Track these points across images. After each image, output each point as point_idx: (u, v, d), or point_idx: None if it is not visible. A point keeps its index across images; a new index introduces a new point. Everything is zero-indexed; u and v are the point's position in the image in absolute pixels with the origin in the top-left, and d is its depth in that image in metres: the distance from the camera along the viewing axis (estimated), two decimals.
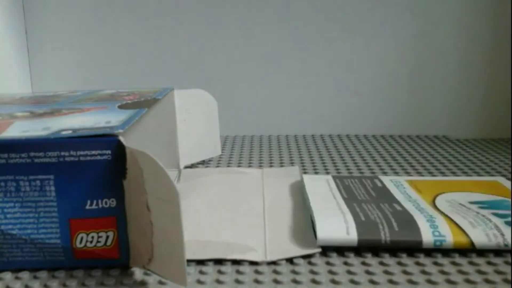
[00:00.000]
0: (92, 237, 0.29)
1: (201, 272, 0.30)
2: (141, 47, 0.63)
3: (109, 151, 0.28)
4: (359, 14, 0.61)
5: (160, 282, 0.29)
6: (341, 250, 0.32)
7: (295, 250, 0.32)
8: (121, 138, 0.28)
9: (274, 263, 0.31)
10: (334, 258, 0.31)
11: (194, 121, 0.50)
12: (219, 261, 0.31)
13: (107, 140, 0.28)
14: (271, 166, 0.50)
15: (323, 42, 0.62)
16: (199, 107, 0.50)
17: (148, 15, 0.62)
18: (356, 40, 0.62)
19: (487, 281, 0.28)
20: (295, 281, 0.28)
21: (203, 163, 0.52)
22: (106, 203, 0.28)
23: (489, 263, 0.30)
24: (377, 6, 0.61)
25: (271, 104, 0.64)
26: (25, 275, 0.29)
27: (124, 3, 0.62)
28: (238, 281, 0.29)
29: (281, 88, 0.63)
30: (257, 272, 0.30)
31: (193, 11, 0.62)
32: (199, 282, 0.29)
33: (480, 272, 0.29)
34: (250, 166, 0.50)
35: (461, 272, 0.29)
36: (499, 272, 0.29)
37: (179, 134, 0.48)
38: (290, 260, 0.31)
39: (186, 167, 0.50)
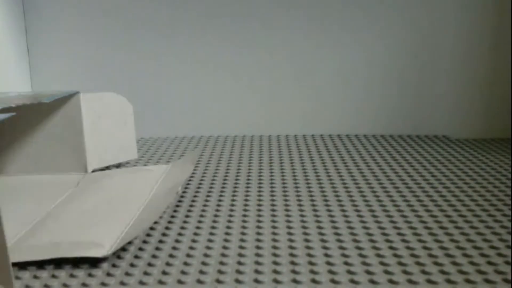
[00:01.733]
0: None
1: (201, 272, 0.30)
2: (143, 46, 0.63)
3: None
4: (361, 15, 0.61)
5: (160, 282, 0.29)
6: (341, 249, 0.32)
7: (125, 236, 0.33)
8: None
9: (274, 262, 0.31)
10: (334, 258, 0.31)
11: (105, 124, 0.49)
12: (220, 261, 0.31)
13: None
14: (270, 166, 0.50)
15: (324, 43, 0.62)
16: (111, 110, 0.50)
17: (148, 14, 0.62)
18: (357, 41, 0.62)
19: (487, 281, 0.28)
20: (295, 281, 0.28)
21: (120, 166, 0.51)
22: None
23: (489, 263, 0.30)
24: (379, 7, 0.61)
25: (271, 104, 0.64)
26: (25, 275, 0.30)
27: (125, 2, 0.62)
28: (238, 281, 0.29)
29: (281, 88, 0.63)
30: (257, 272, 0.30)
31: (192, 10, 0.62)
32: (199, 282, 0.29)
33: (480, 272, 0.29)
34: (250, 166, 0.50)
35: (461, 272, 0.29)
36: (499, 272, 0.29)
37: (87, 138, 0.48)
38: (290, 260, 0.31)
39: (97, 170, 0.49)
